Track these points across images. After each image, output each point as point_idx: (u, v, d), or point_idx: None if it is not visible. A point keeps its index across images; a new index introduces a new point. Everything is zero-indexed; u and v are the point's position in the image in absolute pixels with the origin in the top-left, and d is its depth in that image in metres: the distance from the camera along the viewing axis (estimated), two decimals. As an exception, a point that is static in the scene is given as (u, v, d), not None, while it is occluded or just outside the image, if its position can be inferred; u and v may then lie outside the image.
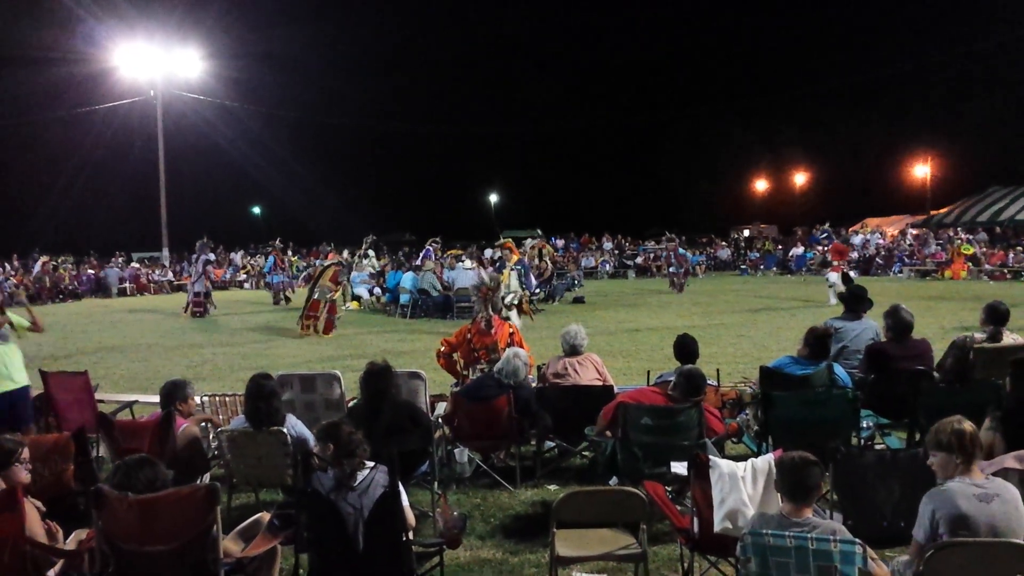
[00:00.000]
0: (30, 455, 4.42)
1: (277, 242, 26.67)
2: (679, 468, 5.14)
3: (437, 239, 25.92)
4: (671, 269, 25.69)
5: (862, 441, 6.19)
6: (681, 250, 26.74)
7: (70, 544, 4.22)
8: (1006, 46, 43.83)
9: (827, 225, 29.46)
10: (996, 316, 7.27)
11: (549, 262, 23.46)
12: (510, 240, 17.38)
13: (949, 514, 3.53)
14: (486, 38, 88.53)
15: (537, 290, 20.74)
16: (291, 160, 62.27)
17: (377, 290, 22.76)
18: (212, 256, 24.22)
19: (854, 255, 34.19)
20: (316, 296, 16.65)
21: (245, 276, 35.61)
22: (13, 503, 3.82)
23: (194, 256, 22.88)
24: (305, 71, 78.62)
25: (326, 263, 19.65)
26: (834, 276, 19.46)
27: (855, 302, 7.62)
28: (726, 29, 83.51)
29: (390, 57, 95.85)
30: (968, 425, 3.72)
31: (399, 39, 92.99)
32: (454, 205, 72.04)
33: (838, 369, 6.44)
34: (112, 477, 3.96)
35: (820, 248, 31.73)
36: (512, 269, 16.25)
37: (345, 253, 28.03)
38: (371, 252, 24.59)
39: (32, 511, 3.97)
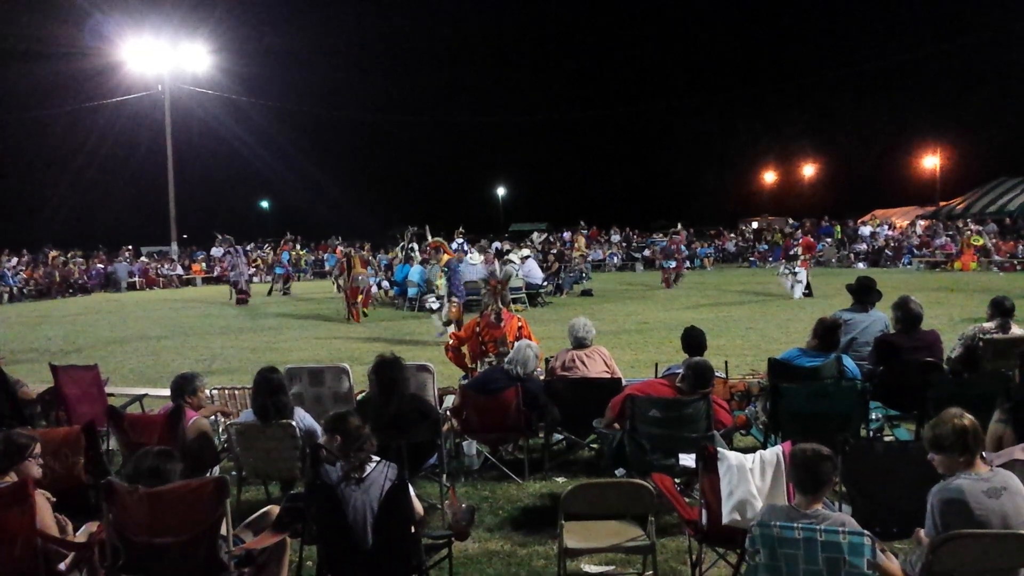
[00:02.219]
0: (41, 449, 4.44)
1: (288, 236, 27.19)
2: (687, 460, 5.14)
3: (461, 230, 26.05)
4: (668, 263, 24.55)
5: (871, 433, 6.18)
6: (682, 246, 26.44)
7: (80, 537, 4.25)
8: (1016, 35, 43.51)
9: (790, 220, 29.74)
10: (1002, 310, 7.28)
11: (577, 255, 23.73)
12: (439, 239, 16.12)
13: (958, 510, 3.51)
14: (493, 30, 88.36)
15: (545, 283, 20.72)
16: (298, 154, 62.34)
17: (385, 283, 22.81)
18: (221, 250, 24.94)
19: (863, 247, 34.14)
20: (355, 284, 17.62)
21: (254, 270, 35.69)
22: (24, 497, 3.84)
23: (232, 249, 23.88)
24: (311, 64, 78.54)
25: (346, 252, 20.08)
26: (802, 271, 19.89)
27: (864, 294, 7.59)
28: (733, 20, 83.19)
29: (397, 50, 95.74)
30: (967, 420, 3.64)
31: (406, 31, 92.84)
32: (462, 198, 71.99)
33: (847, 361, 6.42)
34: (133, 466, 3.98)
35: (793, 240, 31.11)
36: (442, 271, 14.16)
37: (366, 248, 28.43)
38: (415, 245, 24.58)
39: (44, 504, 3.99)
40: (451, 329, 13.01)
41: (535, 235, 28.61)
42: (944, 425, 3.66)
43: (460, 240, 25.87)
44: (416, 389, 6.65)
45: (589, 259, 29.58)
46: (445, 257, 13.98)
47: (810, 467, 3.56)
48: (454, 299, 12.96)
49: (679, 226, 28.97)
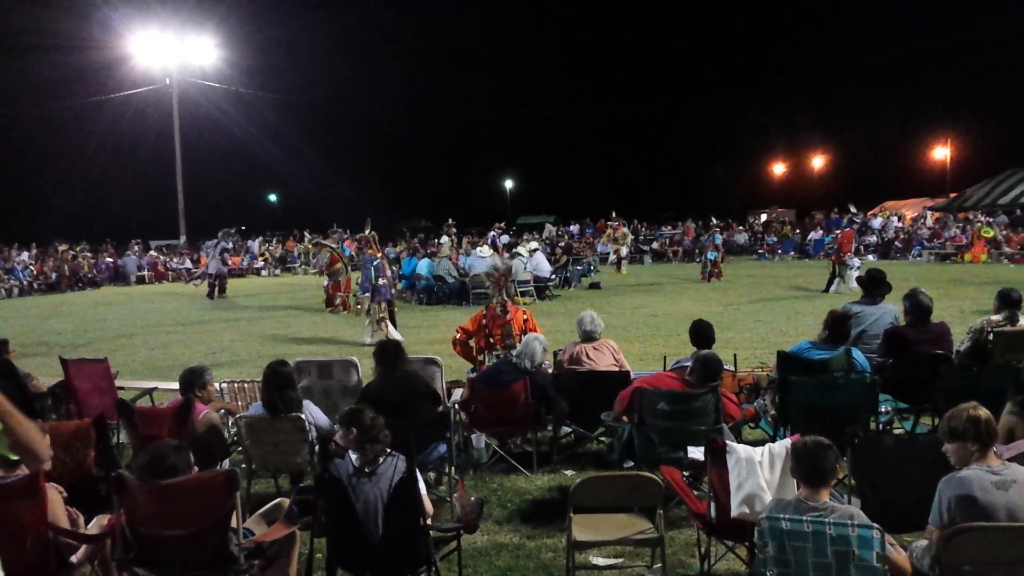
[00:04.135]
0: (52, 442, 4.46)
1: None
2: (696, 453, 5.14)
3: (501, 224, 26.02)
4: (710, 256, 23.78)
5: (880, 426, 6.17)
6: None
7: (92, 530, 4.27)
8: (1027, 25, 43.23)
9: (852, 207, 29.05)
10: (1009, 302, 7.25)
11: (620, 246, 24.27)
12: (366, 234, 16.19)
13: (965, 501, 3.51)
14: (501, 22, 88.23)
15: (552, 276, 20.71)
16: (306, 147, 62.40)
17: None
18: (230, 244, 24.94)
19: (873, 239, 33.96)
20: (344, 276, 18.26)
21: (262, 263, 35.77)
22: (36, 490, 3.86)
23: (214, 242, 23.78)
24: (319, 57, 78.70)
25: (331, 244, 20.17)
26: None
27: (874, 286, 7.57)
28: (742, 11, 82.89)
29: (405, 42, 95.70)
30: (983, 412, 3.67)
31: (413, 24, 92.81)
32: (470, 191, 72.07)
33: (856, 354, 6.40)
34: (144, 459, 4.00)
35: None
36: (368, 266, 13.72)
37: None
38: (444, 239, 24.48)
39: (55, 497, 4.01)
40: (369, 334, 12.98)
41: (548, 228, 28.66)
42: (959, 414, 3.68)
43: (495, 232, 26.14)
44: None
45: (598, 252, 29.68)
46: (369, 253, 14.00)
47: (812, 458, 3.56)
48: (366, 296, 13.25)
49: (713, 220, 28.87)
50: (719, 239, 24.77)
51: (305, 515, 4.29)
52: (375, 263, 13.61)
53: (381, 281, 13.30)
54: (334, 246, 19.32)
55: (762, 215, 48.71)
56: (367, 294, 13.55)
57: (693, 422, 5.48)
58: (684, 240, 36.12)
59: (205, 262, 27.24)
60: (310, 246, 20.69)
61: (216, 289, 23.04)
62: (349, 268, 18.53)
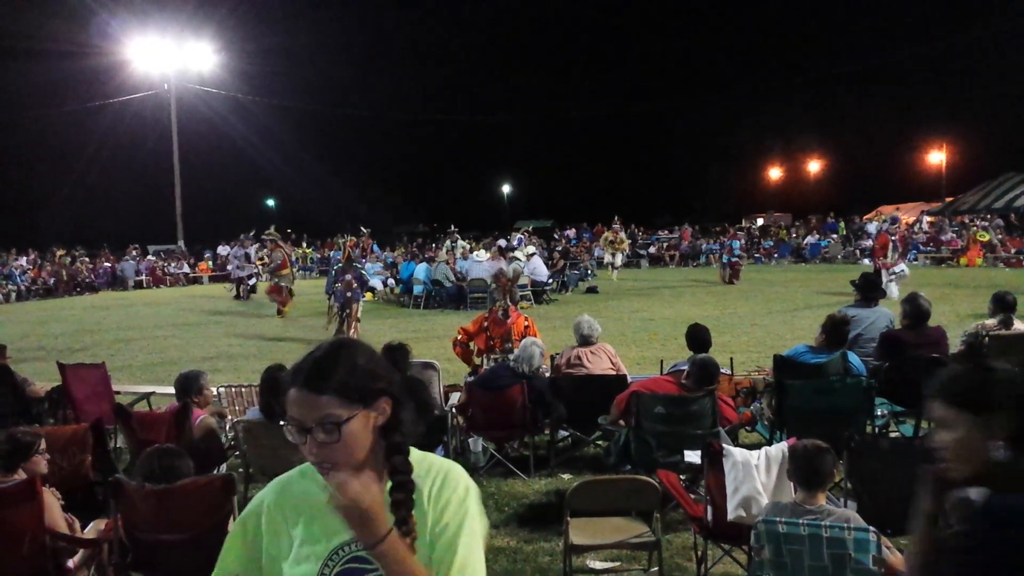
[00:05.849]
0: (48, 446, 4.47)
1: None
2: (693, 457, 5.14)
3: (529, 228, 25.90)
4: (727, 259, 23.92)
5: (877, 429, 6.18)
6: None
7: (88, 534, 4.27)
8: (1023, 29, 43.40)
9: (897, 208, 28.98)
10: (1004, 305, 7.26)
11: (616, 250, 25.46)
12: (350, 241, 16.64)
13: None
14: (497, 27, 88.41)
15: (550, 280, 20.72)
16: (304, 152, 62.50)
17: (391, 281, 22.82)
18: (243, 250, 25.85)
19: (868, 243, 33.99)
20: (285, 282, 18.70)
21: (259, 268, 35.71)
22: (32, 494, 3.86)
23: (235, 249, 24.71)
24: (317, 63, 78.90)
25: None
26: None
27: (869, 290, 7.59)
28: (737, 16, 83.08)
29: (402, 47, 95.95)
30: None
31: (410, 29, 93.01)
32: (467, 196, 72.15)
33: (852, 357, 6.41)
34: (143, 464, 4.00)
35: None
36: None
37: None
38: (448, 243, 24.48)
39: (52, 501, 4.01)
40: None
41: (519, 237, 28.33)
42: None
43: (522, 236, 26.29)
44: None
45: (595, 256, 29.68)
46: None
47: (810, 462, 3.57)
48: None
49: (743, 221, 28.75)
50: (738, 246, 24.60)
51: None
52: (335, 268, 14.67)
53: (336, 285, 14.09)
54: (288, 249, 19.46)
55: (759, 219, 48.76)
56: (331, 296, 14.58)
57: (690, 426, 5.49)
58: (681, 244, 36.11)
59: (203, 268, 27.55)
60: (267, 239, 20.40)
61: (240, 291, 24.36)
62: (295, 275, 18.79)
